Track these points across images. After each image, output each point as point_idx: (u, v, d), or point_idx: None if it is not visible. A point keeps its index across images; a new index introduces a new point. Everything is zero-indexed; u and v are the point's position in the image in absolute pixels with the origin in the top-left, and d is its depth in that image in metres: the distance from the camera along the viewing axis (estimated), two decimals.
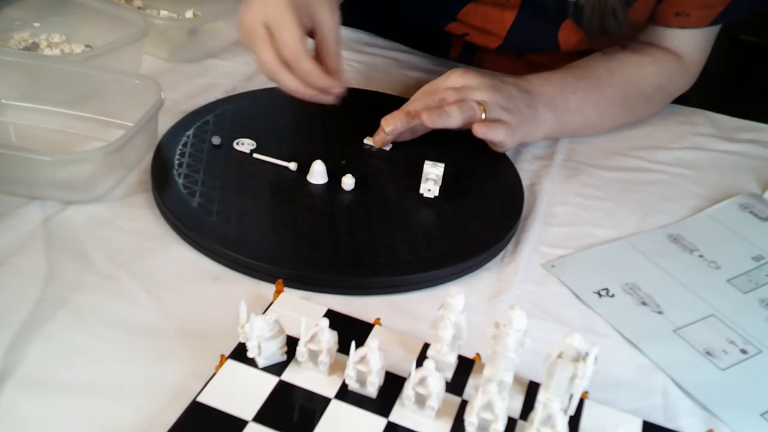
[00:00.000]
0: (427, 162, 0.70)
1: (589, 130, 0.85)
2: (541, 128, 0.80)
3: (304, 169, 0.71)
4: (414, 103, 0.75)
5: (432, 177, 0.70)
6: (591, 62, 0.86)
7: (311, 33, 0.72)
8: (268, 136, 0.76)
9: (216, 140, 0.74)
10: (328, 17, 0.71)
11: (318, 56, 0.72)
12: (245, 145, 0.74)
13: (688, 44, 0.87)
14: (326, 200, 0.69)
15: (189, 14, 0.99)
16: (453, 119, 0.72)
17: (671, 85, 0.90)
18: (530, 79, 0.81)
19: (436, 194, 0.70)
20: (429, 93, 0.76)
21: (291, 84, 0.69)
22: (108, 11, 0.88)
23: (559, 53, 0.93)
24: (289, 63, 0.68)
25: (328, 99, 0.71)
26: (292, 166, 0.72)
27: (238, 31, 0.71)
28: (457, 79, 0.75)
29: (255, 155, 0.73)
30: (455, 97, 0.73)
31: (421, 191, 0.70)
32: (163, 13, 0.98)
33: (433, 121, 0.71)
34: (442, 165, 0.70)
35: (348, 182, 0.70)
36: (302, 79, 0.69)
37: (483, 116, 0.72)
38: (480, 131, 0.73)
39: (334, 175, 0.70)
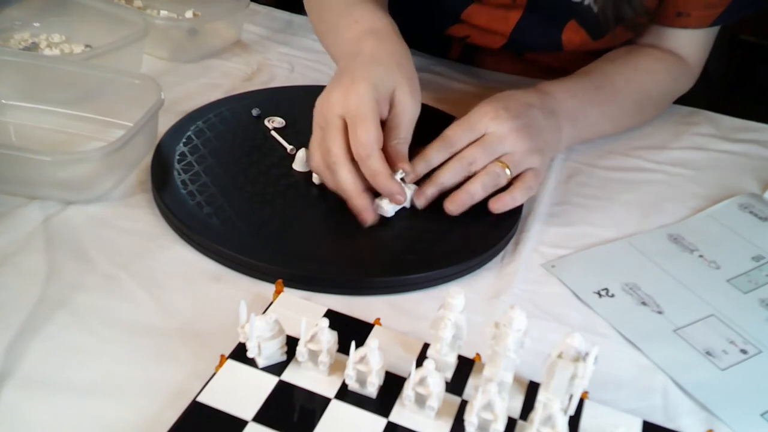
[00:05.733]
0: None
1: (598, 137, 0.85)
2: (561, 146, 0.78)
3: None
4: (442, 173, 0.69)
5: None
6: (607, 69, 0.84)
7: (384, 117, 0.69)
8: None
9: (255, 112, 0.79)
10: (410, 102, 0.68)
11: (384, 139, 0.67)
12: (276, 122, 0.79)
13: (690, 45, 0.87)
14: (326, 200, 0.69)
15: (189, 14, 0.99)
16: (477, 197, 0.68)
17: (677, 87, 0.90)
18: (555, 92, 0.78)
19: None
20: (451, 142, 0.70)
21: (347, 181, 0.65)
22: (108, 11, 0.88)
23: (560, 53, 0.93)
24: (359, 159, 0.65)
25: (366, 218, 0.65)
26: (294, 150, 0.73)
27: (314, 114, 0.68)
28: (486, 123, 0.70)
29: (272, 133, 0.76)
30: (483, 160, 0.69)
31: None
32: (163, 13, 0.99)
33: (458, 209, 0.68)
34: None
35: None
36: (368, 177, 0.65)
37: (508, 173, 0.69)
38: (503, 207, 0.69)
39: None
